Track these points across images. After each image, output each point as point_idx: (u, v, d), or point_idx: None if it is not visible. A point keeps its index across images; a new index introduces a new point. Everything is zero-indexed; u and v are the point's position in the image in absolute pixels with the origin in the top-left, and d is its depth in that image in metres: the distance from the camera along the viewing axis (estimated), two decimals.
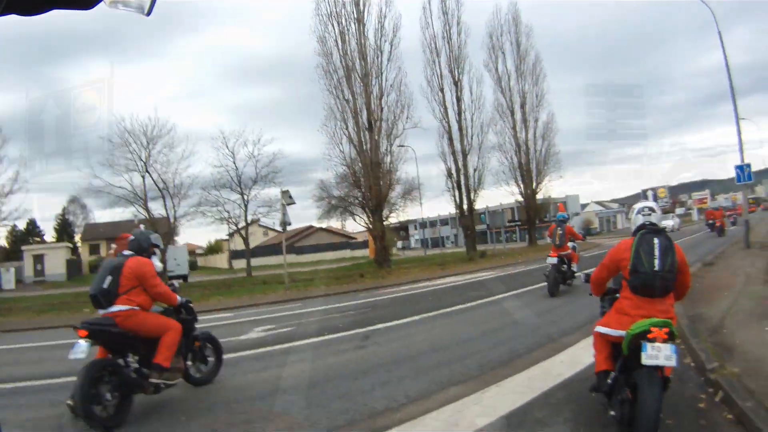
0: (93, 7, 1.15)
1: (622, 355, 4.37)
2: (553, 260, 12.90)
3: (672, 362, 3.94)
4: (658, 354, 3.90)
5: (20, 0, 1.10)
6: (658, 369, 4.02)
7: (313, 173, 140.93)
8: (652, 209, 4.85)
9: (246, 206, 33.58)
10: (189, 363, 6.51)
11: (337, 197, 34.08)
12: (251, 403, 6.00)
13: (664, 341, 3.93)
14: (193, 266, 53.33)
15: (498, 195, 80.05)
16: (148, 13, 1.23)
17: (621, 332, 4.29)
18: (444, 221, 70.48)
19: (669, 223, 31.99)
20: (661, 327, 3.97)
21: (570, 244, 13.52)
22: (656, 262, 4.29)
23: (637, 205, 4.97)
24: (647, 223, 4.68)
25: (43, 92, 57.82)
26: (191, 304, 6.68)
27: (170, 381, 5.93)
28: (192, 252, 58.88)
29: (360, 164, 31.11)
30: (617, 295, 4.94)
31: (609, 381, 4.49)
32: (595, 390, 4.73)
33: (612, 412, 4.34)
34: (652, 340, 3.94)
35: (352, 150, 31.16)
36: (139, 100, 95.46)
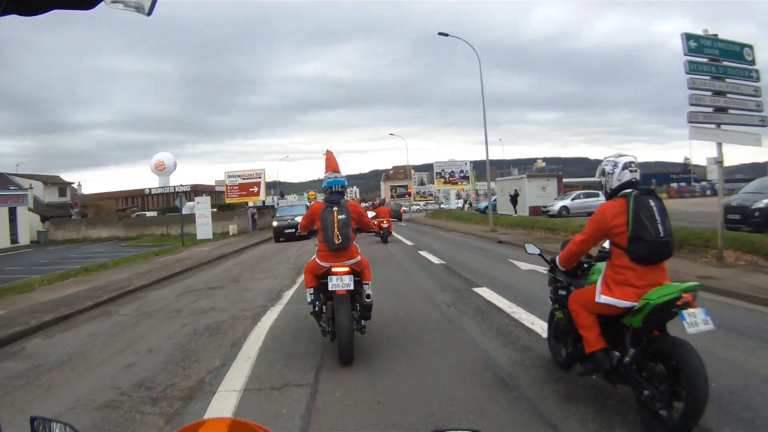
0: (93, 7, 1.13)
1: (630, 330, 4.07)
2: None
3: (711, 325, 3.73)
4: (696, 320, 3.71)
5: (20, 0, 1.07)
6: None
7: None
8: (637, 165, 4.35)
9: None
10: None
11: None
12: None
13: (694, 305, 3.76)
14: None
15: None
16: (149, 13, 1.20)
17: (632, 303, 3.97)
18: None
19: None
20: (689, 291, 3.77)
21: None
22: (659, 227, 3.97)
23: (621, 159, 4.34)
24: (635, 180, 4.27)
25: None
26: None
27: None
28: None
29: None
30: (585, 265, 4.92)
31: (611, 360, 4.22)
32: (593, 372, 4.40)
33: (646, 392, 3.84)
34: (686, 306, 3.74)
35: None
36: None
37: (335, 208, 6.18)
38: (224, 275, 15.25)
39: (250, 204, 47.93)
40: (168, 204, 68.79)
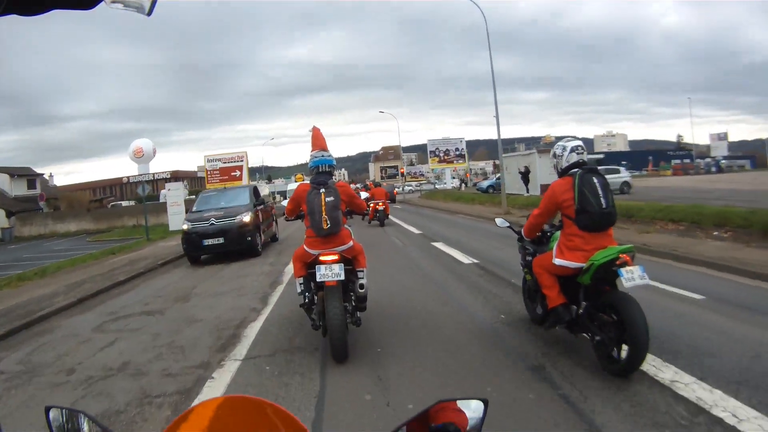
0: (93, 7, 1.03)
1: (582, 287, 4.90)
2: None
3: (647, 280, 4.48)
4: (634, 276, 4.46)
5: (20, 0, 0.97)
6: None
7: None
8: (583, 147, 5.17)
9: None
10: None
11: None
12: None
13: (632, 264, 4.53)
14: None
15: None
16: (149, 13, 1.08)
17: (581, 264, 4.74)
18: None
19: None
20: (626, 252, 4.57)
21: None
22: (602, 200, 4.75)
23: (569, 144, 5.19)
24: (581, 161, 5.05)
25: None
26: None
27: None
28: None
29: None
30: (537, 234, 5.87)
31: (571, 312, 5.01)
32: (556, 324, 5.18)
33: (596, 338, 4.66)
34: (624, 265, 4.51)
35: None
36: None
37: (322, 190, 5.64)
38: (175, 287, 11.52)
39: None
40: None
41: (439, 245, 13.80)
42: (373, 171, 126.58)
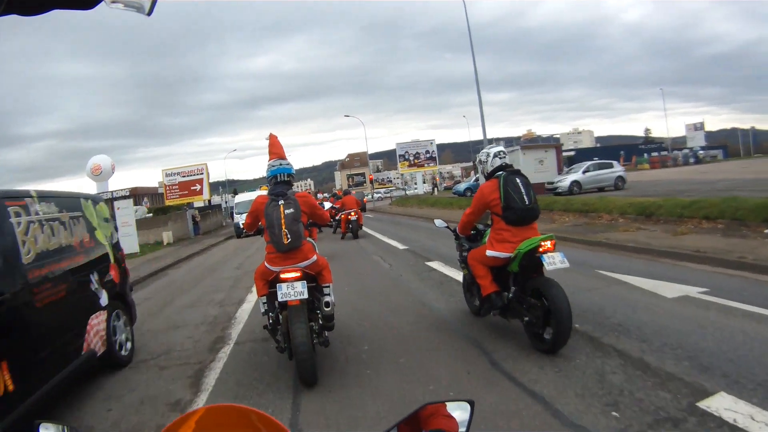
0: (93, 7, 1.10)
1: (512, 275, 5.45)
2: None
3: (566, 264, 5.08)
4: (555, 261, 5.06)
5: (20, 0, 1.05)
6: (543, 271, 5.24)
7: None
8: (505, 153, 5.81)
9: None
10: None
11: None
12: None
13: (553, 251, 5.13)
14: None
15: None
16: (149, 13, 1.16)
17: (509, 254, 5.31)
18: None
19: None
20: (547, 240, 5.14)
21: None
22: (524, 198, 5.33)
23: (492, 150, 5.82)
24: (504, 164, 5.67)
25: None
26: None
27: None
28: None
29: None
30: (472, 232, 6.49)
31: (503, 299, 5.55)
32: (490, 310, 5.79)
33: (525, 319, 5.24)
34: (545, 252, 5.09)
35: None
36: None
37: (281, 202, 5.33)
38: None
39: (195, 204, 41.24)
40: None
41: (435, 265, 11.04)
42: (340, 179, 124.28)
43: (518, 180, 5.44)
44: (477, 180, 36.58)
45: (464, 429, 1.17)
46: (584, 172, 29.39)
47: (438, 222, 7.49)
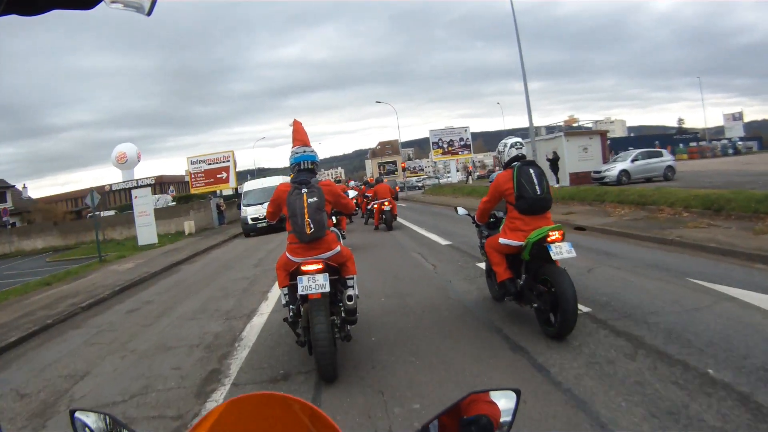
0: (93, 7, 1.04)
1: (523, 262, 5.63)
2: None
3: (573, 254, 5.19)
4: (561, 250, 5.19)
5: (20, 0, 0.97)
6: (557, 261, 5.34)
7: None
8: (522, 143, 5.90)
9: None
10: None
11: None
12: None
13: (562, 241, 5.25)
14: None
15: None
16: (149, 13, 1.07)
17: (520, 243, 5.48)
18: None
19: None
20: (555, 230, 5.26)
21: None
22: (536, 188, 5.44)
23: (509, 140, 5.95)
24: (520, 155, 5.81)
25: None
26: None
27: None
28: None
29: None
30: (491, 220, 6.68)
31: (516, 285, 5.70)
32: (504, 296, 5.92)
33: (535, 305, 5.41)
34: (553, 242, 5.21)
35: None
36: None
37: (304, 190, 5.11)
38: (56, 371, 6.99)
39: (219, 192, 39.61)
40: (129, 200, 59.78)
41: None
42: (371, 167, 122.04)
43: (531, 170, 5.58)
44: None
45: (509, 417, 1.12)
46: (633, 160, 26.89)
47: (460, 210, 7.58)
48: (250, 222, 24.70)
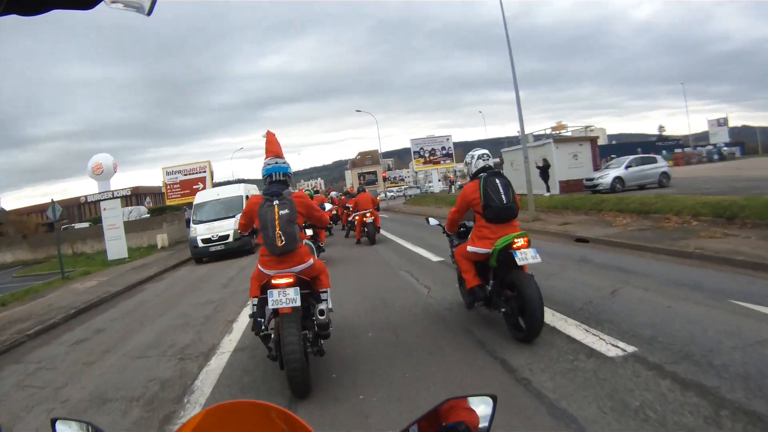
0: (93, 7, 1.07)
1: (491, 269, 5.79)
2: None
3: (538, 259, 5.43)
4: (527, 256, 5.40)
5: (20, 0, 1.01)
6: (524, 266, 5.50)
7: None
8: (489, 155, 6.11)
9: None
10: None
11: None
12: None
13: (527, 247, 5.47)
14: None
15: None
16: (149, 13, 1.11)
17: (487, 250, 5.65)
18: None
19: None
20: (521, 237, 5.51)
21: None
22: (503, 197, 5.63)
23: (476, 152, 6.14)
24: (487, 166, 6.00)
25: None
26: None
27: None
28: None
29: None
30: (461, 229, 6.77)
31: (485, 291, 5.87)
32: (474, 302, 6.07)
33: (502, 309, 5.58)
34: (519, 248, 5.43)
35: None
36: None
37: (276, 202, 5.04)
38: None
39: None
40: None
41: None
42: (351, 178, 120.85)
43: (498, 181, 5.75)
44: None
45: (486, 423, 1.16)
46: (627, 167, 26.00)
47: (432, 220, 7.75)
48: (200, 244, 19.15)
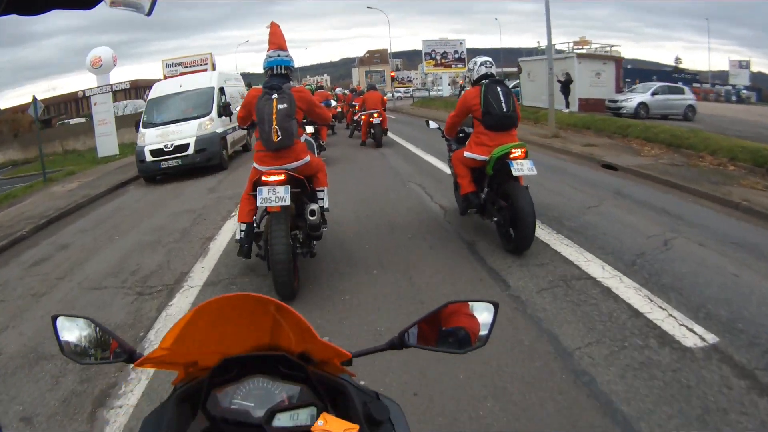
0: (93, 7, 1.06)
1: (487, 176, 5.74)
2: None
3: (534, 171, 5.32)
4: (522, 167, 5.27)
5: (20, 0, 0.99)
6: (521, 178, 5.42)
7: None
8: (492, 63, 6.00)
9: None
10: None
11: None
12: None
13: (524, 158, 5.37)
14: None
15: None
16: (149, 14, 1.14)
17: (484, 157, 5.59)
18: None
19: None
20: (518, 148, 5.40)
21: None
22: (503, 105, 5.53)
23: (479, 59, 6.03)
24: (489, 73, 5.89)
25: None
26: None
27: None
28: None
29: None
30: (460, 135, 6.57)
31: (479, 198, 5.85)
32: (467, 209, 6.02)
33: (494, 219, 5.61)
34: (516, 158, 5.33)
35: None
36: None
37: (275, 96, 4.81)
38: None
39: None
40: None
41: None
42: (357, 76, 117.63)
43: (499, 89, 5.65)
44: (516, 86, 31.47)
45: (486, 331, 1.17)
46: (653, 93, 24.15)
47: (431, 123, 7.63)
48: (148, 158, 13.43)
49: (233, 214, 7.82)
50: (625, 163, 10.84)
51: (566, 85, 25.37)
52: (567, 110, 23.56)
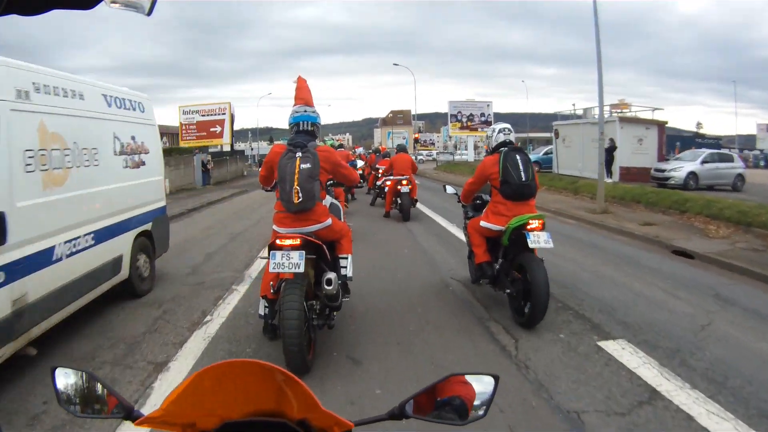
0: (93, 7, 1.06)
1: (502, 247, 5.65)
2: None
3: (550, 244, 5.24)
4: (539, 239, 5.23)
5: (20, 0, 1.00)
6: (535, 250, 5.37)
7: None
8: (510, 130, 5.95)
9: None
10: None
11: None
12: None
13: (541, 230, 5.31)
14: None
15: None
16: (149, 13, 1.13)
17: (501, 227, 5.54)
18: None
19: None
20: (536, 219, 5.35)
21: None
22: (522, 174, 5.48)
23: (498, 126, 6.03)
24: (508, 141, 5.83)
25: None
26: None
27: None
28: None
29: None
30: (477, 201, 6.55)
31: (493, 269, 5.73)
32: (480, 278, 5.93)
33: (507, 290, 5.49)
34: (532, 230, 5.26)
35: None
36: None
37: (299, 154, 4.58)
38: None
39: (212, 148, 35.55)
40: None
41: (627, 356, 4.65)
42: (380, 136, 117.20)
43: (518, 157, 5.60)
44: (548, 153, 30.12)
45: (484, 402, 1.15)
46: (702, 162, 22.22)
47: (449, 188, 7.53)
48: None
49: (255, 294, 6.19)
50: (698, 248, 9.27)
51: (610, 152, 22.96)
52: (610, 180, 21.41)
